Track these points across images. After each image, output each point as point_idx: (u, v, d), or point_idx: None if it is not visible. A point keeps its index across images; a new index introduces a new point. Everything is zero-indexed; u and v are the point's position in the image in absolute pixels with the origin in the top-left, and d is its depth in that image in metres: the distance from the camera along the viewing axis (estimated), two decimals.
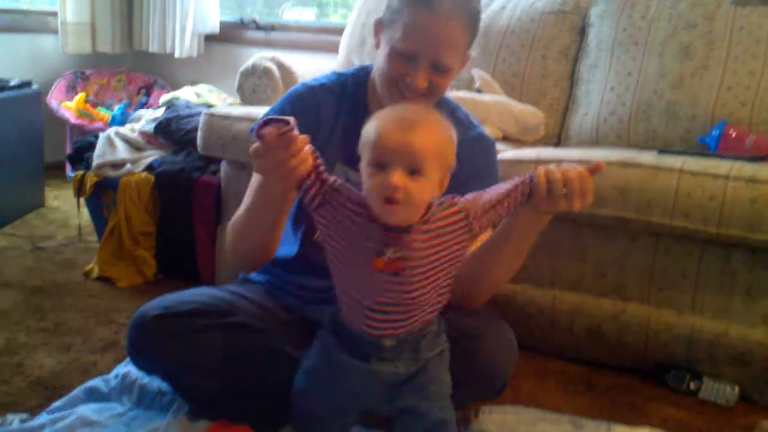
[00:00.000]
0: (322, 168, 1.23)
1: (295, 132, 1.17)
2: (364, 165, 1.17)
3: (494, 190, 1.24)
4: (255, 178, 1.56)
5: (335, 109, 1.57)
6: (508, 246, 1.38)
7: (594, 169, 1.24)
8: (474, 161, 1.58)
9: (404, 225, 1.16)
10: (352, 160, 1.54)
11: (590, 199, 1.24)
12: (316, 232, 1.44)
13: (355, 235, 1.19)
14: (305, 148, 1.20)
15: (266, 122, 1.17)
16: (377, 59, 1.50)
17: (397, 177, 1.10)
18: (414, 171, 1.12)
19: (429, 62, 1.41)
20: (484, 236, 1.44)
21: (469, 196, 1.24)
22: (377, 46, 1.51)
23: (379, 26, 1.50)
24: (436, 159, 1.14)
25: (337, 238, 1.22)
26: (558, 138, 2.72)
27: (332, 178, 1.23)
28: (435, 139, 1.15)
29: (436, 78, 1.43)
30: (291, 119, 1.17)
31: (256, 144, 1.20)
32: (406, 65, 1.42)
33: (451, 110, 1.63)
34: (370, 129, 1.17)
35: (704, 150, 2.26)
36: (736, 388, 1.82)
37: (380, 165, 1.13)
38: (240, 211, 1.52)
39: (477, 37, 1.51)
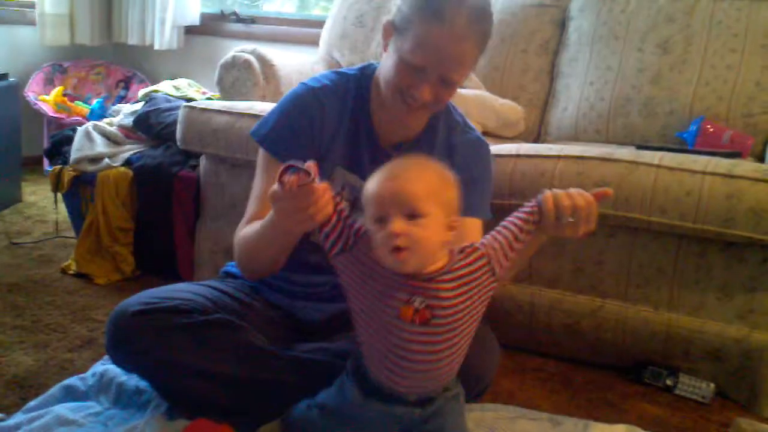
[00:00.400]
0: (345, 214, 1.22)
1: (316, 182, 1.14)
2: (368, 224, 1.17)
3: (508, 230, 1.22)
4: (257, 187, 1.56)
5: (338, 111, 1.55)
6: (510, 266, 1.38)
7: (601, 195, 1.23)
8: (470, 165, 1.57)
9: (427, 274, 1.16)
10: (353, 163, 1.54)
11: (593, 226, 1.22)
12: (313, 233, 1.42)
13: (380, 285, 1.18)
14: (326, 195, 1.18)
15: (289, 167, 1.15)
16: (384, 64, 1.48)
17: (396, 225, 1.10)
18: (412, 216, 1.11)
19: (437, 77, 1.39)
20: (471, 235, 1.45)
21: (486, 239, 1.22)
22: (385, 48, 1.48)
23: (389, 30, 1.46)
24: (432, 199, 1.13)
25: (359, 288, 1.21)
26: (538, 133, 2.73)
27: (356, 225, 1.22)
28: (427, 179, 1.15)
29: (442, 91, 1.42)
30: (312, 169, 1.14)
31: (275, 187, 1.18)
32: (414, 77, 1.40)
33: (447, 111, 1.62)
34: (367, 187, 1.17)
35: (682, 145, 2.28)
36: (712, 385, 1.84)
37: (381, 219, 1.13)
38: (250, 228, 1.47)
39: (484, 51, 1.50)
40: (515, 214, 1.24)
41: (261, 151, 1.57)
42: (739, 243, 1.76)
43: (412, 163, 1.18)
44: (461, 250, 1.20)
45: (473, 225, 1.52)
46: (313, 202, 1.16)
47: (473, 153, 1.61)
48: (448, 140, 1.60)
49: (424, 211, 1.12)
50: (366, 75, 1.59)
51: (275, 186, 1.17)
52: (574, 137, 2.60)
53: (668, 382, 1.88)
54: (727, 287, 1.81)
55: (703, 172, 1.76)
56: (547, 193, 1.22)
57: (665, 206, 1.77)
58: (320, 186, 1.16)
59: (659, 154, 1.87)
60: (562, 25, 2.78)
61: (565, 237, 1.25)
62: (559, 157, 1.91)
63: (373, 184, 1.16)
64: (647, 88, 2.49)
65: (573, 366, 2.01)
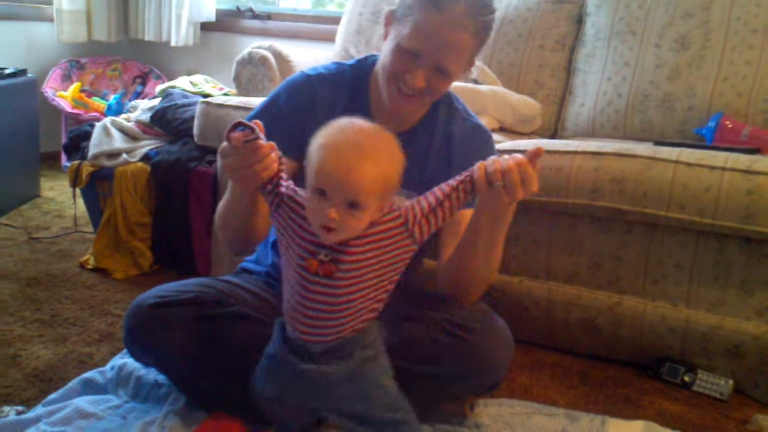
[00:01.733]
0: (282, 174, 1.26)
1: (261, 139, 1.20)
2: (307, 184, 1.18)
3: (433, 194, 1.23)
4: None
5: (333, 100, 1.57)
6: (479, 239, 1.36)
7: (534, 155, 1.21)
8: (470, 153, 1.57)
9: None
10: None
11: (534, 187, 1.20)
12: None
13: (296, 237, 1.22)
14: (271, 154, 1.22)
15: (237, 124, 1.20)
16: (383, 51, 1.50)
17: (334, 212, 1.12)
18: (352, 205, 1.13)
19: (432, 64, 1.41)
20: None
21: (409, 202, 1.23)
22: (385, 37, 1.50)
23: (390, 18, 1.49)
24: (376, 194, 1.15)
25: (285, 239, 1.25)
26: (555, 129, 2.73)
27: (286, 183, 1.25)
28: (375, 173, 1.14)
29: (436, 80, 1.43)
30: (257, 125, 1.20)
31: (224, 144, 1.23)
32: (409, 62, 1.42)
33: (448, 101, 1.63)
34: (314, 154, 1.16)
35: (700, 141, 2.26)
36: (730, 382, 1.83)
37: (321, 192, 1.14)
38: (222, 199, 1.52)
39: (486, 46, 1.50)
40: (447, 181, 1.24)
41: None
42: (759, 239, 1.75)
43: (368, 147, 1.15)
44: (382, 210, 1.21)
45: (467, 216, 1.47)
46: (259, 159, 1.20)
47: (472, 140, 1.61)
48: (448, 128, 1.60)
49: (364, 204, 1.14)
50: (365, 65, 1.61)
51: (224, 142, 1.22)
52: (592, 133, 2.60)
53: (686, 378, 1.87)
54: (746, 283, 1.80)
55: (723, 168, 1.75)
56: (479, 162, 1.22)
57: (684, 202, 1.76)
58: (265, 144, 1.21)
59: (677, 149, 1.86)
60: (578, 20, 2.77)
61: (507, 202, 1.24)
62: (576, 152, 1.90)
63: (323, 159, 1.14)
64: (665, 84, 2.48)
65: (590, 362, 2.01)
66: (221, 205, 1.52)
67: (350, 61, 1.64)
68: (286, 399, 1.30)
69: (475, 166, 1.22)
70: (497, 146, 1.93)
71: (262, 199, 1.34)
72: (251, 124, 1.20)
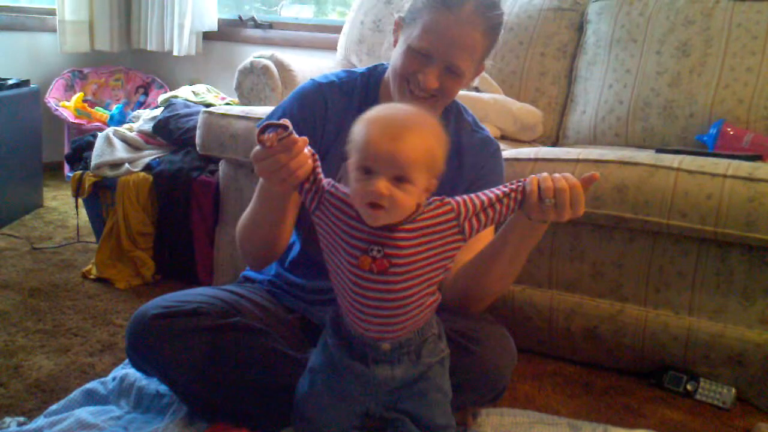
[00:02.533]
0: (319, 170, 1.24)
1: (294, 135, 1.18)
2: (351, 167, 1.16)
3: (486, 195, 1.24)
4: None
5: (343, 108, 1.57)
6: (504, 253, 1.38)
7: (588, 180, 1.24)
8: (479, 165, 1.58)
9: (389, 222, 1.16)
10: None
11: (581, 210, 1.23)
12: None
13: (343, 235, 1.20)
14: (305, 150, 1.21)
15: (265, 126, 1.19)
16: (393, 57, 1.50)
17: (383, 185, 1.10)
18: (400, 179, 1.11)
19: (443, 63, 1.42)
20: (484, 242, 1.45)
21: (461, 197, 1.23)
22: (395, 44, 1.51)
23: (399, 24, 1.50)
24: (423, 167, 1.13)
25: (330, 239, 1.23)
26: (556, 137, 2.73)
27: (326, 180, 1.24)
28: (424, 146, 1.13)
29: (448, 81, 1.44)
30: (288, 123, 1.18)
31: (257, 148, 1.21)
32: (420, 63, 1.43)
33: (457, 112, 1.64)
34: (358, 132, 1.16)
35: (702, 148, 2.26)
36: (733, 390, 1.82)
37: (367, 170, 1.13)
38: (246, 211, 1.52)
39: (496, 47, 1.51)
40: (499, 187, 1.25)
41: None
42: (761, 247, 1.74)
43: (414, 122, 1.16)
44: (430, 202, 1.21)
45: (485, 233, 1.47)
46: (294, 155, 1.19)
47: (482, 152, 1.62)
48: (457, 140, 1.60)
49: (413, 177, 1.12)
50: (376, 73, 1.61)
51: (256, 147, 1.21)
52: (593, 141, 2.60)
53: (689, 387, 1.86)
54: (749, 291, 1.80)
55: (724, 176, 1.75)
56: (533, 176, 1.23)
57: (685, 210, 1.76)
58: (300, 139, 1.19)
59: (679, 157, 1.86)
60: (580, 28, 2.77)
61: (551, 220, 1.26)
62: (577, 160, 1.90)
63: (368, 132, 1.14)
64: (666, 90, 2.48)
65: (592, 370, 2.00)
66: (244, 218, 1.52)
67: (360, 69, 1.65)
68: (341, 404, 1.29)
69: (527, 179, 1.23)
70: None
71: (291, 207, 1.34)
72: (282, 122, 1.18)
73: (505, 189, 1.24)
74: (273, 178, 1.23)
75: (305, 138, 1.21)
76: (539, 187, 1.22)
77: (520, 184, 1.24)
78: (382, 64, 1.62)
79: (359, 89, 1.60)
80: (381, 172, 1.11)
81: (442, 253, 1.21)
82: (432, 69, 1.42)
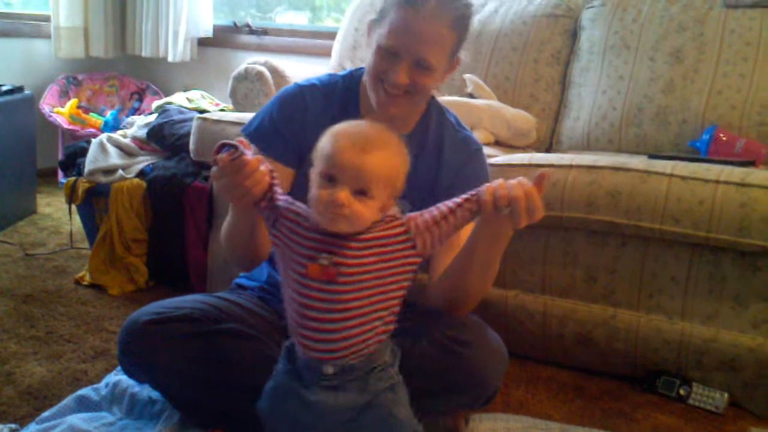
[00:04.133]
0: (276, 188, 1.26)
1: (246, 156, 1.20)
2: (314, 173, 1.18)
3: (438, 209, 1.23)
4: None
5: (324, 110, 1.59)
6: (474, 259, 1.38)
7: (539, 181, 1.22)
8: (460, 164, 1.59)
9: (342, 233, 1.17)
10: None
11: (539, 216, 1.21)
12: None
13: (296, 246, 1.20)
14: (260, 168, 1.23)
15: (222, 146, 1.21)
16: (367, 58, 1.52)
17: (344, 195, 1.12)
18: (361, 192, 1.13)
19: (411, 59, 1.43)
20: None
21: (413, 213, 1.23)
22: (369, 46, 1.53)
23: (371, 27, 1.53)
24: (384, 184, 1.16)
25: (285, 253, 1.23)
26: (550, 143, 2.73)
27: (283, 198, 1.25)
28: (389, 164, 1.16)
29: (419, 76, 1.45)
30: (241, 143, 1.21)
31: (213, 168, 1.23)
32: (389, 61, 1.45)
33: (439, 112, 1.65)
34: (326, 141, 1.18)
35: (694, 154, 2.26)
36: (726, 395, 1.82)
37: (330, 178, 1.14)
38: (226, 219, 1.53)
39: (466, 40, 1.52)
40: (454, 198, 1.25)
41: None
42: (753, 252, 1.75)
43: (382, 140, 1.18)
44: (382, 218, 1.21)
45: (466, 230, 1.43)
46: (247, 175, 1.21)
47: (463, 153, 1.63)
48: (438, 141, 1.62)
49: (374, 193, 1.14)
50: (356, 76, 1.64)
51: (213, 167, 1.23)
52: (586, 147, 2.60)
53: (681, 391, 1.86)
54: (741, 297, 1.80)
55: (717, 181, 1.76)
56: (487, 185, 1.23)
57: (678, 216, 1.77)
58: (252, 159, 1.21)
59: (672, 163, 1.87)
60: (573, 35, 2.78)
61: (509, 228, 1.26)
62: (571, 166, 1.91)
63: (338, 144, 1.16)
64: (659, 97, 2.49)
65: (585, 375, 2.00)
66: (225, 226, 1.53)
67: (342, 73, 1.67)
68: (292, 428, 1.26)
69: (483, 188, 1.22)
70: (492, 161, 1.93)
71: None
72: (234, 142, 1.20)
73: (458, 200, 1.23)
74: (230, 196, 1.26)
75: (259, 157, 1.23)
76: (494, 197, 1.21)
77: (474, 194, 1.23)
78: (362, 68, 1.63)
79: (340, 92, 1.62)
80: (344, 182, 1.13)
81: (396, 267, 1.21)
82: (401, 65, 1.43)
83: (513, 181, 1.22)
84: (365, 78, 1.54)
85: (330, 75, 1.67)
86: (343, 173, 1.13)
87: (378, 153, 1.15)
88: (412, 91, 1.47)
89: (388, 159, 1.17)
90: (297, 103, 1.60)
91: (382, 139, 1.18)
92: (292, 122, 1.58)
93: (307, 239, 1.19)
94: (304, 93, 1.61)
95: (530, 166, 1.95)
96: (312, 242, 1.18)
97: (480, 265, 1.39)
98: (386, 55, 1.45)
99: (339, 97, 1.61)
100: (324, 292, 1.17)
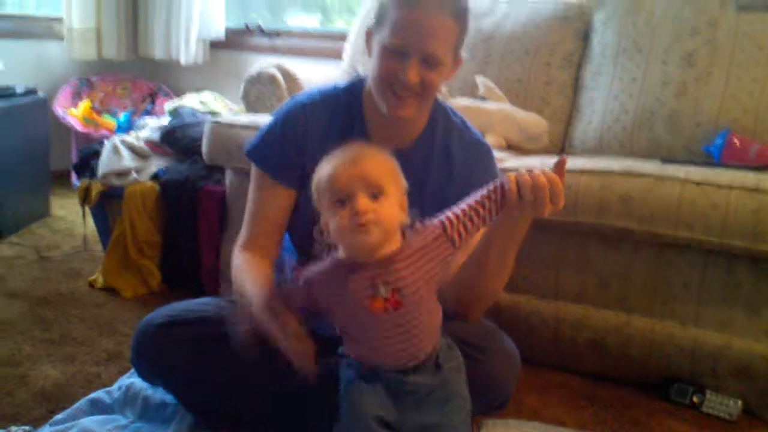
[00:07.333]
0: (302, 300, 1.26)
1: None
2: (326, 210, 1.19)
3: (466, 203, 1.24)
4: (251, 202, 1.61)
5: (327, 124, 1.56)
6: (490, 256, 1.37)
7: (560, 167, 1.23)
8: (470, 169, 1.57)
9: (384, 258, 1.17)
10: None
11: (561, 203, 1.22)
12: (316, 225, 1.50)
13: (345, 295, 1.20)
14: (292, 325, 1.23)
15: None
16: (371, 65, 1.50)
17: (362, 202, 1.13)
18: (375, 195, 1.15)
19: (419, 56, 1.41)
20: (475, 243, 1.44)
21: (442, 214, 1.24)
22: (369, 54, 1.52)
23: (369, 34, 1.51)
24: (392, 178, 1.18)
25: (338, 311, 1.24)
26: (562, 146, 2.72)
27: (300, 282, 1.26)
28: (385, 162, 1.20)
29: (428, 73, 1.43)
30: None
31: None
32: (398, 61, 1.42)
33: (444, 114, 1.63)
34: (321, 174, 1.20)
35: (708, 159, 2.25)
36: (739, 402, 1.82)
37: (341, 201, 1.15)
38: (242, 274, 1.50)
39: (467, 32, 1.50)
40: (478, 192, 1.25)
41: (253, 167, 1.61)
42: (767, 259, 1.74)
43: (364, 148, 1.22)
44: (414, 230, 1.22)
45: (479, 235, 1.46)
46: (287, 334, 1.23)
47: (472, 156, 1.61)
48: (446, 144, 1.60)
49: (386, 190, 1.16)
50: (357, 86, 1.60)
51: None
52: (599, 151, 2.59)
53: (695, 399, 1.86)
54: (755, 304, 1.80)
55: (730, 187, 1.75)
56: (510, 174, 1.23)
57: (691, 221, 1.76)
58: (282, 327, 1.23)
59: (685, 168, 1.86)
60: (585, 37, 2.77)
61: (529, 218, 1.27)
62: (582, 171, 1.90)
63: (330, 170, 1.18)
64: (672, 101, 2.47)
65: (598, 382, 2.00)
66: (240, 284, 1.50)
67: (343, 84, 1.63)
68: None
69: (505, 178, 1.22)
70: (503, 165, 1.93)
71: None
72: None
73: (484, 192, 1.24)
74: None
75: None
76: (518, 185, 1.21)
77: (497, 185, 1.23)
78: (362, 78, 1.62)
79: (342, 104, 1.59)
80: (355, 193, 1.14)
81: (438, 267, 1.22)
82: (410, 64, 1.41)
83: (535, 170, 1.22)
84: (370, 85, 1.52)
85: (332, 86, 1.64)
86: (350, 187, 1.14)
87: (369, 156, 1.19)
88: (422, 91, 1.46)
89: (382, 157, 1.20)
90: (298, 122, 1.57)
91: (366, 147, 1.23)
92: (294, 141, 1.56)
93: (353, 282, 1.18)
94: (305, 111, 1.57)
95: (543, 171, 1.94)
96: (360, 283, 1.18)
97: (496, 261, 1.38)
98: (393, 55, 1.42)
99: (342, 109, 1.58)
100: (396, 318, 1.18)
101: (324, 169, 1.19)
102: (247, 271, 1.49)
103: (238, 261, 1.55)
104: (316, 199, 1.21)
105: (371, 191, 1.14)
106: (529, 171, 1.22)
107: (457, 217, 1.22)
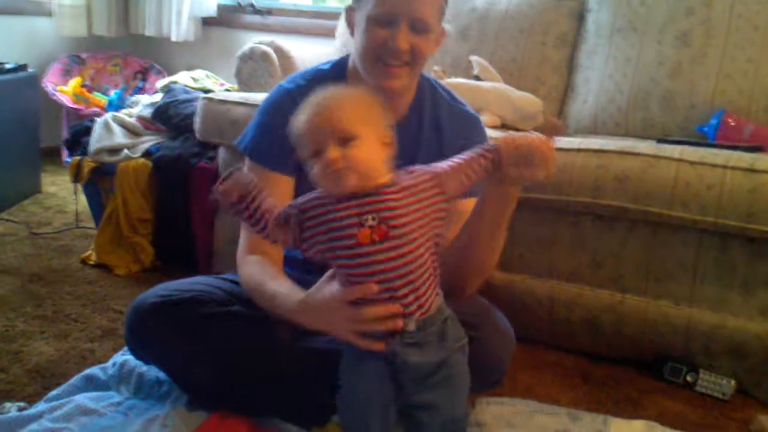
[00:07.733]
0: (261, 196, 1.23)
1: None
2: (305, 163, 1.18)
3: (459, 157, 1.22)
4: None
5: None
6: (482, 226, 1.36)
7: (552, 129, 1.24)
8: (461, 139, 1.55)
9: (371, 188, 1.16)
10: None
11: (553, 167, 1.21)
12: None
13: (334, 224, 1.18)
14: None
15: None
16: (356, 42, 1.49)
17: (331, 152, 1.12)
18: (344, 141, 1.13)
19: (408, 21, 1.40)
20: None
21: (436, 163, 1.22)
22: (352, 32, 1.50)
23: (351, 12, 1.50)
24: (360, 121, 1.16)
25: (326, 242, 1.20)
26: None
27: (290, 205, 1.23)
28: (350, 104, 1.17)
29: (417, 39, 1.42)
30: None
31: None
32: (386, 30, 1.41)
33: (431, 87, 1.62)
34: (293, 129, 1.19)
35: (703, 139, 2.26)
36: (732, 381, 1.83)
37: (317, 153, 1.15)
38: (258, 285, 1.45)
39: (448, 4, 1.50)
40: (472, 149, 1.23)
41: (247, 161, 1.59)
42: (762, 238, 1.75)
43: (332, 93, 1.20)
44: (408, 171, 1.21)
45: (470, 203, 1.43)
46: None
47: (462, 127, 1.60)
48: (435, 117, 1.59)
49: (355, 133, 1.14)
50: (341, 65, 1.59)
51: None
52: (594, 130, 2.59)
53: (688, 378, 1.87)
54: (749, 283, 1.80)
55: (725, 167, 1.75)
56: (503, 136, 1.22)
57: (686, 200, 1.76)
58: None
59: (680, 147, 1.86)
60: (580, 17, 2.76)
61: (525, 181, 1.24)
62: (578, 150, 1.90)
63: (299, 123, 1.18)
64: (667, 80, 2.47)
65: (592, 361, 2.01)
66: (259, 296, 1.46)
67: (326, 65, 1.62)
68: (375, 393, 1.25)
69: (500, 140, 1.21)
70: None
71: None
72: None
73: (478, 150, 1.22)
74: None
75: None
76: (510, 145, 1.19)
77: (492, 145, 1.22)
78: (346, 56, 1.61)
79: (329, 83, 1.58)
80: (325, 145, 1.13)
81: (431, 214, 1.19)
82: (399, 31, 1.40)
83: (528, 134, 1.21)
84: (356, 62, 1.50)
85: (315, 69, 1.62)
86: (319, 137, 1.14)
87: (334, 98, 1.18)
88: (411, 59, 1.44)
89: (350, 100, 1.18)
90: (285, 108, 1.54)
91: (335, 92, 1.21)
92: (284, 128, 1.54)
93: (342, 211, 1.17)
94: (291, 96, 1.53)
95: None
96: (348, 211, 1.16)
97: (488, 231, 1.37)
98: (380, 24, 1.41)
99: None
100: (382, 252, 1.16)
101: (296, 121, 1.19)
102: (265, 274, 1.47)
103: (248, 269, 1.51)
104: (298, 152, 1.20)
105: (339, 138, 1.13)
106: (518, 134, 1.22)
107: (451, 168, 1.21)
